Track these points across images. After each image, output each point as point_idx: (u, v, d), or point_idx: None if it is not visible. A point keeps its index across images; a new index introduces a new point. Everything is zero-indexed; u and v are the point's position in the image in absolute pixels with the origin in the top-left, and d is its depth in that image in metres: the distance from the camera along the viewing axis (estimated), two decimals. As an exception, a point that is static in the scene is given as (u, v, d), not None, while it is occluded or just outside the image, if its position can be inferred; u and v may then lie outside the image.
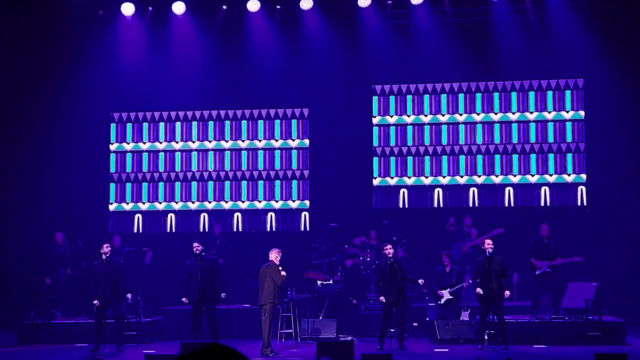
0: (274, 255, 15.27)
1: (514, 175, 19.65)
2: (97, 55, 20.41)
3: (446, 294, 17.16)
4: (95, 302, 15.81)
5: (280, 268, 15.13)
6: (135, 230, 20.73)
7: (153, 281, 18.60)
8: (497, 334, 15.30)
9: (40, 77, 20.19)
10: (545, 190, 19.55)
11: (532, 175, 19.60)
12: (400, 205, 20.02)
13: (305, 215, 20.43)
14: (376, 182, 20.15)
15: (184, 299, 15.63)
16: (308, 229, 20.23)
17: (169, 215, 20.76)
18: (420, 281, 15.96)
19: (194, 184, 20.72)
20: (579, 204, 19.41)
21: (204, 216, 20.66)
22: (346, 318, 17.63)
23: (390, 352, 13.85)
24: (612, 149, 19.14)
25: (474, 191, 19.81)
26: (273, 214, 20.52)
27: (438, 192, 19.92)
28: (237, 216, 20.58)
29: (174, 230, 20.72)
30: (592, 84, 19.44)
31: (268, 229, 20.42)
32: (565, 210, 19.27)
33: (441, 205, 19.88)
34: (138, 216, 20.82)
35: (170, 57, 20.62)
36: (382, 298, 15.65)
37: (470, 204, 19.77)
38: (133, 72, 20.54)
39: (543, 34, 19.56)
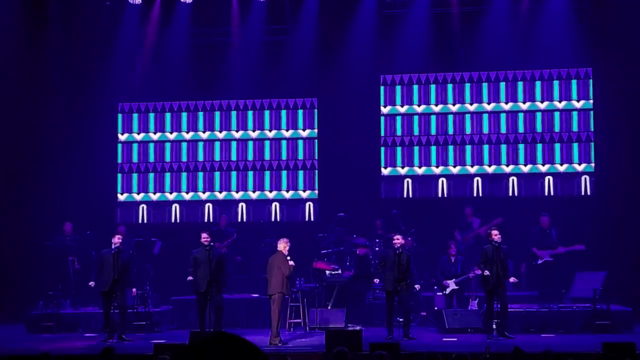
0: (283, 245, 15.28)
1: (525, 165, 19.57)
2: (105, 45, 20.39)
3: (452, 284, 17.15)
4: (91, 283, 16.17)
5: (289, 258, 15.15)
6: (140, 221, 20.74)
7: (162, 271, 18.64)
8: (500, 323, 15.27)
9: (47, 68, 20.17)
10: (549, 180, 19.49)
11: (543, 165, 19.53)
12: (405, 195, 19.98)
13: (310, 205, 20.40)
14: (386, 172, 20.11)
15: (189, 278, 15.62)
16: (313, 219, 20.21)
17: (174, 206, 20.76)
18: (417, 286, 16.23)
19: (200, 174, 20.70)
20: (583, 193, 19.34)
21: (209, 206, 20.65)
22: (355, 307, 17.64)
23: (398, 341, 13.88)
24: (621, 138, 19.03)
25: (478, 181, 19.77)
26: (278, 204, 20.49)
27: (443, 181, 19.87)
28: (242, 206, 20.56)
29: (178, 221, 20.72)
30: (601, 73, 19.33)
31: (273, 219, 20.40)
32: (570, 200, 19.21)
33: (445, 195, 19.84)
34: (143, 206, 20.83)
35: (177, 47, 20.57)
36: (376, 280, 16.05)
37: (475, 194, 19.73)
38: (140, 62, 20.53)
39: (551, 22, 19.43)
